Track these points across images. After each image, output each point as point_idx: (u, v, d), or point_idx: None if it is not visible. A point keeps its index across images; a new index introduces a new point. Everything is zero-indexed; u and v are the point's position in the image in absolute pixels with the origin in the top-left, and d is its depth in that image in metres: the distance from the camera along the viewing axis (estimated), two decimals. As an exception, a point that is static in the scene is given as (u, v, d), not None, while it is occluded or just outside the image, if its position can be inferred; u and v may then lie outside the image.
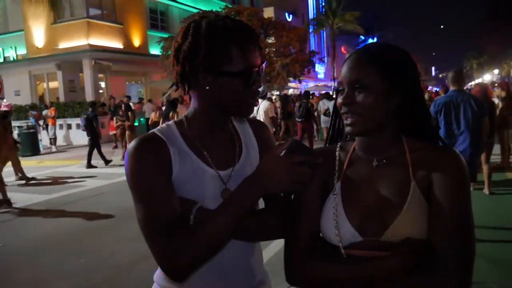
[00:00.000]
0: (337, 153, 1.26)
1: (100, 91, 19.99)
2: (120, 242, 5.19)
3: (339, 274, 1.11)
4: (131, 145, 1.16)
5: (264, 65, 1.20)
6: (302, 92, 10.18)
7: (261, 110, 9.25)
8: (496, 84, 13.48)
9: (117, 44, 20.63)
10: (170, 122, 1.27)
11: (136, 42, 21.94)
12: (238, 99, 1.17)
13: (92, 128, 11.41)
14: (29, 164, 10.35)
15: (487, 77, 59.74)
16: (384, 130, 1.16)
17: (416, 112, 1.17)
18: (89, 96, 19.11)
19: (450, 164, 1.10)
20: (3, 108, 11.07)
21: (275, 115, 9.47)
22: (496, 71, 61.57)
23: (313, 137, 12.17)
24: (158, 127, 1.25)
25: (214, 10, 18.23)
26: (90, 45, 19.17)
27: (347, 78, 1.14)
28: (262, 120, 9.02)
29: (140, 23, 22.30)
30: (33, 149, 14.20)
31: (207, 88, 1.15)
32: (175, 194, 1.14)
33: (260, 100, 9.48)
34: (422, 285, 1.05)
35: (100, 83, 21.03)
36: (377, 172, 1.17)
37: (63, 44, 19.86)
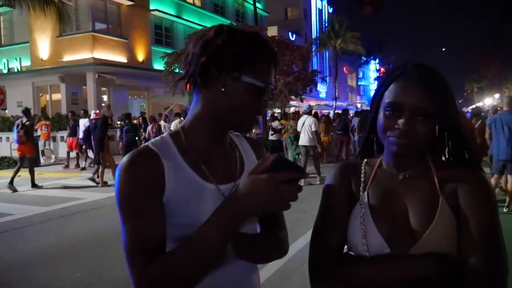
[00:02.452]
0: (362, 166, 1.28)
1: (103, 104, 20.02)
2: (118, 256, 5.09)
3: (366, 275, 1.13)
4: (123, 160, 1.07)
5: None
6: (305, 109, 10.70)
7: (306, 125, 9.88)
8: None
9: (121, 58, 20.78)
10: (165, 134, 1.19)
11: (140, 56, 22.11)
12: (248, 111, 1.13)
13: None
14: (27, 175, 10.28)
15: (487, 101, 60.06)
16: (419, 151, 1.18)
17: (455, 138, 1.20)
18: (91, 109, 19.14)
19: (477, 182, 1.13)
20: (94, 117, 11.10)
21: (319, 130, 10.25)
22: (497, 95, 61.93)
23: (349, 148, 14.49)
24: (152, 140, 1.16)
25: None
26: (95, 59, 19.31)
27: (409, 104, 1.12)
28: (307, 134, 9.77)
29: (145, 38, 22.51)
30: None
31: (222, 90, 1.09)
32: (163, 215, 1.05)
33: (305, 116, 10.24)
34: None
35: (102, 96, 21.11)
36: (404, 185, 1.19)
37: (68, 57, 20.01)
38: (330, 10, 53.41)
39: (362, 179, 1.25)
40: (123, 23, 21.29)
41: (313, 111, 12.67)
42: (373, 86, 71.45)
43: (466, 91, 77.13)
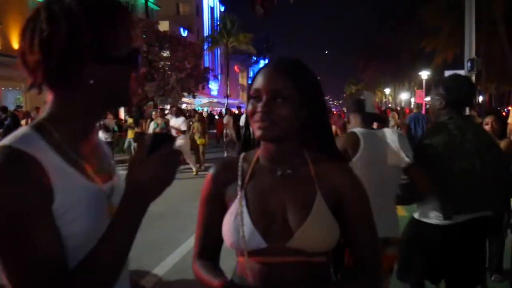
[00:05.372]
0: (239, 163, 1.29)
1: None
2: None
3: (200, 278, 1.27)
4: None
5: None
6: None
7: None
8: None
9: (-7, 45, 18.68)
10: (26, 128, 0.93)
11: (16, 44, 20.09)
12: (128, 87, 1.00)
13: None
14: None
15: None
16: (289, 140, 1.22)
17: (320, 125, 1.26)
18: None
19: (352, 178, 1.25)
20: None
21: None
22: (371, 97, 68.00)
23: None
24: (11, 138, 0.89)
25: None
26: (-41, 44, 17.07)
27: (266, 87, 1.17)
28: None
29: (21, 23, 20.33)
30: None
31: (91, 82, 0.93)
32: (58, 229, 0.88)
33: None
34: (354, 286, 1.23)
35: (-31, 87, 18.77)
36: (282, 181, 1.22)
37: None
38: (222, 9, 54.02)
39: (239, 176, 1.26)
40: (-5, 7, 19.15)
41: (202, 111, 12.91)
42: (263, 85, 73.68)
43: (345, 92, 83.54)
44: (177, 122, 10.40)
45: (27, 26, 0.94)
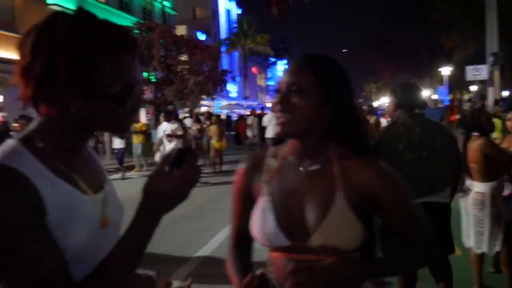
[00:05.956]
0: (266, 159, 1.30)
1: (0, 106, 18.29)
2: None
3: (229, 273, 1.34)
4: None
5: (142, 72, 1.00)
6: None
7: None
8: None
9: (16, 55, 19.14)
10: (13, 143, 0.90)
11: (38, 53, 20.56)
12: (113, 123, 0.96)
13: None
14: None
15: (383, 100, 65.02)
16: (312, 137, 1.20)
17: (347, 123, 1.22)
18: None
19: (380, 173, 1.20)
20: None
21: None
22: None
23: None
24: None
25: (124, 25, 17.79)
26: (-16, 55, 17.55)
27: (285, 81, 1.18)
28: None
29: (32, 26, 20.91)
30: None
31: (73, 110, 0.90)
32: (56, 243, 0.87)
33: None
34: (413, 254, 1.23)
35: (-5, 96, 19.26)
36: (305, 179, 1.21)
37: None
38: (239, 12, 54.18)
39: (265, 172, 1.27)
40: (17, 17, 19.61)
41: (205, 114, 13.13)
42: (281, 86, 73.52)
43: (365, 90, 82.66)
44: (170, 127, 9.78)
45: (20, 43, 0.93)
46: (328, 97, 1.17)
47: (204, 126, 12.67)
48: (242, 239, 1.35)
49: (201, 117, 14.89)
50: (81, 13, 0.93)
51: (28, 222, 0.82)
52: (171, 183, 0.88)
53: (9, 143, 0.90)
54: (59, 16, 0.91)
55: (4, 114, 12.67)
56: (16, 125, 11.66)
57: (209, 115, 14.04)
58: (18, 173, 0.83)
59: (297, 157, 1.24)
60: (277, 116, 1.18)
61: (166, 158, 0.91)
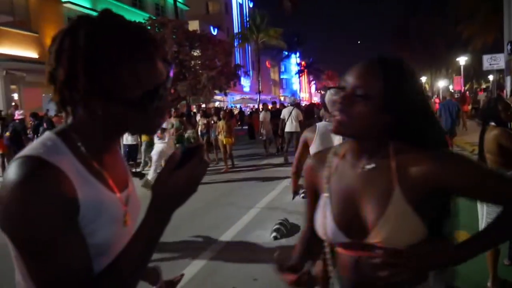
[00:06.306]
0: (329, 156, 1.33)
1: (13, 103, 18.58)
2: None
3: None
4: (15, 179, 0.83)
5: (171, 71, 0.99)
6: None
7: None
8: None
9: (32, 54, 19.38)
10: (52, 137, 0.93)
11: (53, 52, 20.79)
12: (138, 126, 0.99)
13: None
14: None
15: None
16: (370, 138, 1.20)
17: (410, 130, 1.18)
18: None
19: (441, 160, 1.15)
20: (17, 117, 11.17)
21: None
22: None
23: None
24: (38, 146, 0.90)
25: (137, 21, 17.87)
26: (1, 54, 17.84)
27: (350, 80, 1.17)
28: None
29: (57, 31, 21.18)
30: None
31: (99, 113, 0.93)
32: (84, 238, 0.90)
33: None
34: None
35: (13, 95, 19.59)
36: (363, 177, 1.22)
37: (-31, 53, 18.29)
38: (251, 5, 54.01)
39: (327, 170, 1.30)
40: (32, 16, 19.86)
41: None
42: (295, 79, 73.45)
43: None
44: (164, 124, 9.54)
45: (48, 49, 0.96)
46: (393, 105, 1.14)
47: (212, 122, 12.53)
48: (311, 229, 1.39)
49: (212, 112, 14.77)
50: (104, 17, 0.94)
51: (63, 220, 0.85)
52: (178, 181, 0.90)
53: (49, 136, 0.94)
54: (82, 20, 0.93)
55: (21, 111, 12.69)
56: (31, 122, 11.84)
57: (216, 110, 13.79)
58: (58, 170, 0.86)
59: (354, 155, 1.25)
60: (335, 114, 1.18)
61: (172, 157, 0.92)
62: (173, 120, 10.34)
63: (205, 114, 13.82)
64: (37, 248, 0.83)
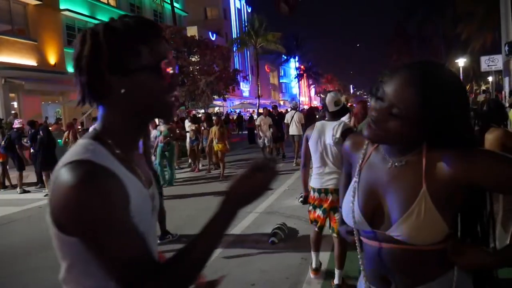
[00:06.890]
0: (365, 143, 1.38)
1: (13, 111, 18.57)
2: (34, 273, 4.80)
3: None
4: (73, 181, 0.91)
5: (177, 67, 1.11)
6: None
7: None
8: None
9: (31, 62, 19.40)
10: (90, 142, 1.02)
11: (52, 59, 20.80)
12: (158, 96, 1.06)
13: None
14: None
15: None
16: (403, 143, 1.22)
17: (460, 137, 1.17)
18: (-2, 117, 17.66)
19: (468, 157, 1.14)
20: (16, 125, 11.49)
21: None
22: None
23: None
24: (83, 151, 0.98)
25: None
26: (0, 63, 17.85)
27: (389, 96, 1.15)
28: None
29: (56, 40, 21.20)
30: None
31: (123, 91, 1.02)
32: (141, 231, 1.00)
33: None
34: None
35: (12, 103, 19.59)
36: (392, 173, 1.25)
37: (-32, 61, 18.29)
38: (249, 10, 54.15)
39: (361, 157, 1.35)
40: (30, 24, 19.87)
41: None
42: (294, 83, 73.50)
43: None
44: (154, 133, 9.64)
45: (73, 45, 1.09)
46: (432, 120, 1.13)
47: (202, 128, 12.06)
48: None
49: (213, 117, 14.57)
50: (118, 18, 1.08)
51: (124, 211, 0.95)
52: (252, 185, 1.04)
53: (88, 142, 1.02)
54: (100, 24, 1.06)
55: (20, 120, 12.67)
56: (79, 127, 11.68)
57: (207, 116, 13.11)
58: (108, 169, 0.96)
59: (387, 150, 1.28)
60: (369, 123, 1.20)
61: (256, 162, 1.06)
62: (162, 128, 9.87)
63: (194, 119, 13.07)
64: (111, 237, 0.92)
